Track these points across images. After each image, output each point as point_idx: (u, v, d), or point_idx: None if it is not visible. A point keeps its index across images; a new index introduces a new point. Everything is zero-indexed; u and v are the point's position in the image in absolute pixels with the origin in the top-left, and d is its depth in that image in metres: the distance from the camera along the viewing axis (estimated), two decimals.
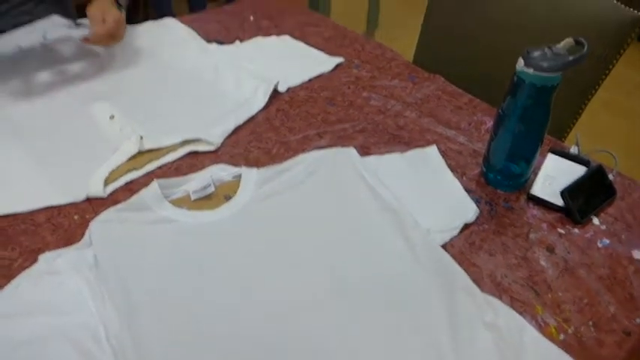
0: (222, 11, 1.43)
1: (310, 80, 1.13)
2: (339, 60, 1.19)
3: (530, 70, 0.73)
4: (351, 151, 0.88)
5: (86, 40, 1.08)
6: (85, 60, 1.15)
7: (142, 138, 0.91)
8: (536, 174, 0.86)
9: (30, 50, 1.07)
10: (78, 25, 1.11)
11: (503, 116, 0.79)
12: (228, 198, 0.81)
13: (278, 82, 1.07)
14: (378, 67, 1.19)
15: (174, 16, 1.34)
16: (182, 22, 1.32)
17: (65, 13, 1.34)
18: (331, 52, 1.23)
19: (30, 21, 1.27)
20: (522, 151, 0.83)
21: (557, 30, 1.05)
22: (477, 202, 0.83)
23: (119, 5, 1.16)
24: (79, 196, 0.82)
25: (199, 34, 1.27)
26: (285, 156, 0.91)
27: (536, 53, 0.73)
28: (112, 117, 0.97)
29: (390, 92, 1.10)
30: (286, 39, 1.27)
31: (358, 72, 1.17)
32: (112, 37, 1.10)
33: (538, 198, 0.84)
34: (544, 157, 0.89)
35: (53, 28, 1.08)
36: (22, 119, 0.98)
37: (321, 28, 1.34)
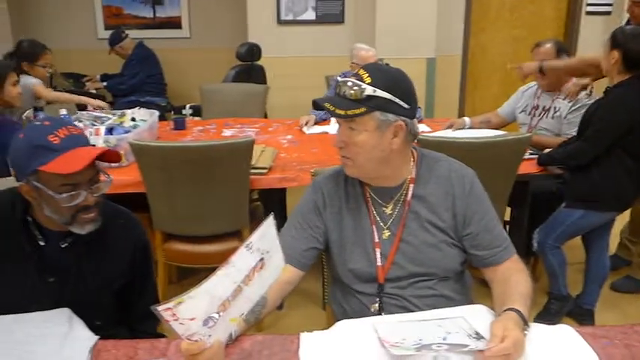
0: (634, 331, 1.19)
1: None
2: None
3: None
4: None
5: (480, 352, 1.02)
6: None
7: None
8: None
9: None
10: (478, 336, 1.07)
11: None
12: None
13: None
14: None
15: None
16: (581, 333, 1.15)
17: (463, 290, 1.34)
18: None
19: (433, 295, 1.30)
20: None
21: None
22: None
23: (524, 321, 1.09)
24: None
25: (600, 357, 1.07)
26: None
27: None
28: None
29: None
30: None
31: None
32: (507, 358, 1.01)
33: None
34: None
35: (455, 332, 1.08)
36: None
37: None
